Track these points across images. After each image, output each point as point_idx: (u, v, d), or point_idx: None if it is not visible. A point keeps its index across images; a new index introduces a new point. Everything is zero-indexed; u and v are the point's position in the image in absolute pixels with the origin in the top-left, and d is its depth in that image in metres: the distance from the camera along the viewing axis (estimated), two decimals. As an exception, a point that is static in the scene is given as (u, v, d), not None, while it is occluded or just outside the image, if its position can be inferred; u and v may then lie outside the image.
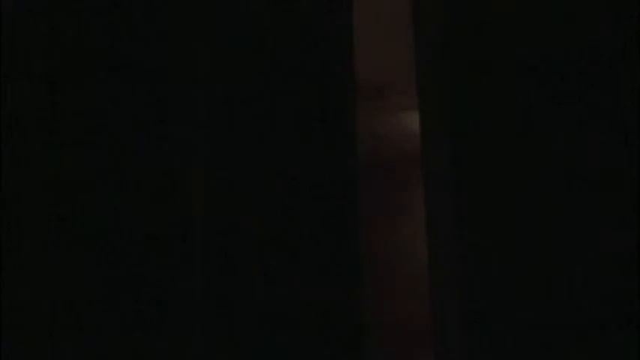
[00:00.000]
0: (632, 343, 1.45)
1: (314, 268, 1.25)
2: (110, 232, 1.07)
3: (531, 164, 1.69)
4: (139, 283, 1.09)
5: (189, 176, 1.17)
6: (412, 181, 3.79)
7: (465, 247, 1.72)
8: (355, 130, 1.40)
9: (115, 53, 1.09)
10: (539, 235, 1.64)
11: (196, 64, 1.12)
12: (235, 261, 1.15)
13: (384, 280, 3.46)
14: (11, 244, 0.87)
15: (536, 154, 1.69)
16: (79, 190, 1.01)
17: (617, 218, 1.56)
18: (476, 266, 1.71)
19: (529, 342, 1.59)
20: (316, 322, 1.19)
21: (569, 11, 1.68)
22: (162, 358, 1.14)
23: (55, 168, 0.99)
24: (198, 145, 1.21)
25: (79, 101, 1.10)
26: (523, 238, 1.66)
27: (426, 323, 1.81)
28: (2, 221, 0.88)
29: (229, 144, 1.18)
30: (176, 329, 1.22)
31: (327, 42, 1.30)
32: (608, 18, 1.58)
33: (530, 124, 1.71)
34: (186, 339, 1.34)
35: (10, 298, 0.88)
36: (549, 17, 1.71)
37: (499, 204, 1.72)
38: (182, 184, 1.18)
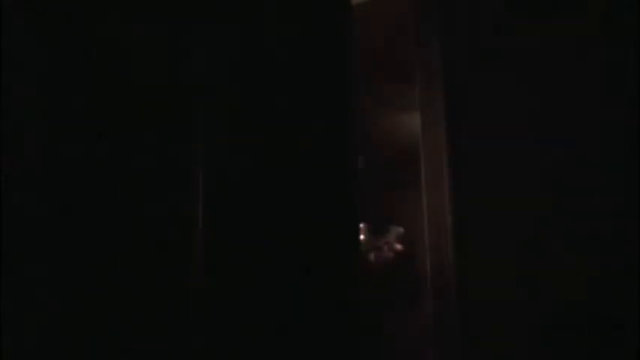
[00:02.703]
0: (631, 344, 1.45)
1: (312, 269, 1.25)
2: (109, 229, 1.07)
3: (530, 165, 1.69)
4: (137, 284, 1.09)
5: (189, 174, 1.17)
6: (412, 180, 3.78)
7: (465, 246, 1.72)
8: (356, 131, 1.40)
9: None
10: (539, 235, 1.64)
11: (194, 66, 1.12)
12: (235, 259, 1.16)
13: (385, 280, 3.45)
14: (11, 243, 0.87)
15: (535, 155, 1.69)
16: (78, 189, 1.01)
17: (615, 220, 1.56)
18: (476, 266, 1.72)
19: (528, 343, 1.59)
20: (314, 320, 1.19)
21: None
22: (162, 358, 1.14)
23: (55, 167, 0.99)
24: (197, 145, 1.21)
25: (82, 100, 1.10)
26: (523, 239, 1.66)
27: (426, 323, 1.82)
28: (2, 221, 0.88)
29: (229, 143, 1.18)
30: (176, 329, 1.22)
31: (326, 40, 1.30)
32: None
33: (529, 125, 1.71)
34: (186, 339, 1.34)
35: (9, 297, 0.88)
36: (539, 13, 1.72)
37: (499, 204, 1.72)
38: (182, 183, 1.18)
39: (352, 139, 1.40)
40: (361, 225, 2.02)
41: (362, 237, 1.99)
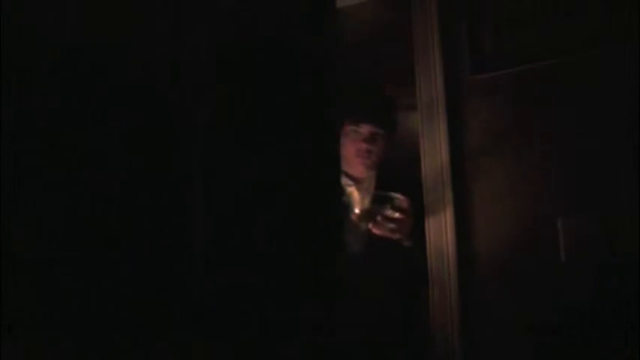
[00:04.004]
0: (632, 344, 1.45)
1: (301, 267, 1.25)
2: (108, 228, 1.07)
3: (531, 163, 1.69)
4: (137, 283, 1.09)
5: (189, 177, 1.17)
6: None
7: (465, 246, 1.72)
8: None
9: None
10: (539, 235, 1.64)
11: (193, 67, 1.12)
12: (233, 260, 1.16)
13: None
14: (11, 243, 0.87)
15: (535, 152, 1.69)
16: (79, 189, 1.01)
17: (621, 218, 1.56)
18: (475, 265, 1.71)
19: (528, 342, 1.59)
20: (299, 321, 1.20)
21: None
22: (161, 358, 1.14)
23: (57, 165, 0.99)
24: (197, 144, 1.21)
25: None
26: (524, 238, 1.66)
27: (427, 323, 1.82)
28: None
29: (224, 141, 1.18)
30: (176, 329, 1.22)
31: (312, 46, 1.29)
32: None
33: (530, 125, 1.71)
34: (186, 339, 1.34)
35: (9, 297, 0.88)
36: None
37: (499, 203, 1.72)
38: (182, 185, 1.18)
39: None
40: (356, 197, 1.95)
41: (358, 210, 1.91)
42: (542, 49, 1.69)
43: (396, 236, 1.76)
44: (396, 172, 2.16)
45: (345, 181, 2.01)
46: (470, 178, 1.75)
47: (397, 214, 1.73)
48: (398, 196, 1.75)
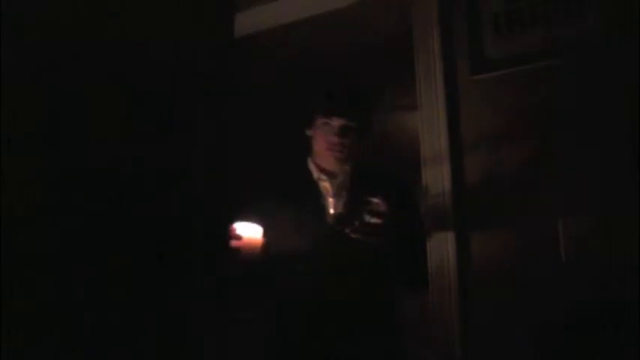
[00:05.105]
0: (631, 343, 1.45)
1: None
2: (109, 229, 1.07)
3: (534, 166, 1.69)
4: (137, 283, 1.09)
5: (189, 173, 1.17)
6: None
7: (465, 246, 1.72)
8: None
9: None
10: (540, 235, 1.64)
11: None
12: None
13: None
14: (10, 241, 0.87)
15: (536, 151, 1.69)
16: (77, 188, 1.01)
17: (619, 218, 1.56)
18: (476, 264, 1.71)
19: (529, 342, 1.59)
20: None
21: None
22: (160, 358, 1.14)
23: (52, 167, 0.99)
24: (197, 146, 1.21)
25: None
26: (524, 238, 1.66)
27: (427, 323, 1.82)
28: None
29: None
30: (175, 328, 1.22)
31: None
32: None
33: (529, 125, 1.71)
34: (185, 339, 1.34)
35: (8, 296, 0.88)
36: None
37: (499, 203, 1.72)
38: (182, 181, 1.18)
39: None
40: (330, 200, 1.93)
41: (333, 211, 1.88)
42: (542, 49, 1.69)
43: (374, 240, 1.72)
44: (391, 170, 2.16)
45: (318, 175, 2.01)
46: (470, 178, 1.75)
47: (375, 219, 1.69)
48: (375, 200, 1.72)
